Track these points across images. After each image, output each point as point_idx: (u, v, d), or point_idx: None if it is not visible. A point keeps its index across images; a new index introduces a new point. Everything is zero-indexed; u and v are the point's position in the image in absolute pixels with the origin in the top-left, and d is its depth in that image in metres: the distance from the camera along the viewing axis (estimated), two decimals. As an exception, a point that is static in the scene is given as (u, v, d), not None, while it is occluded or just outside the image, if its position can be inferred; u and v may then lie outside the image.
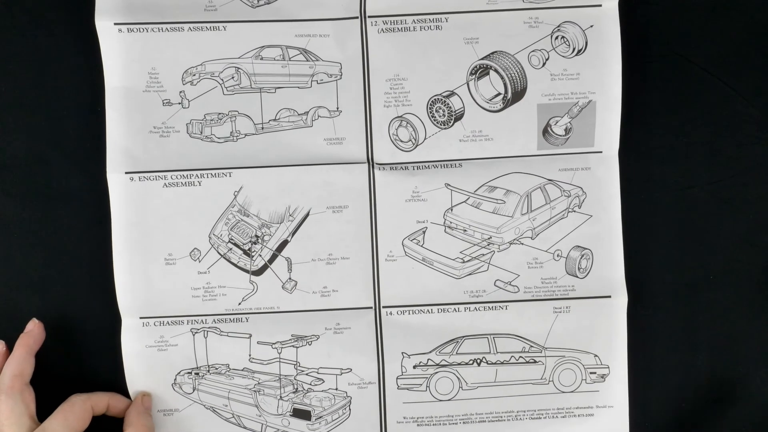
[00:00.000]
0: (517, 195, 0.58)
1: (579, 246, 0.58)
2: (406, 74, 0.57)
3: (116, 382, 0.57)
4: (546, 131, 0.58)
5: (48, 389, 0.55)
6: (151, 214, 0.56)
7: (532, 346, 0.59)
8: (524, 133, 0.58)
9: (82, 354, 0.58)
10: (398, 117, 0.57)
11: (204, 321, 0.57)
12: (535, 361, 0.59)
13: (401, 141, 0.58)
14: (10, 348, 0.55)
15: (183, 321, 0.57)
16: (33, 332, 0.56)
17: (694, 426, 0.59)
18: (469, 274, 0.58)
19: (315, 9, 0.56)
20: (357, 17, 0.56)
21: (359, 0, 0.56)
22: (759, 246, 0.59)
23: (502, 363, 0.58)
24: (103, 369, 0.58)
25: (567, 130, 0.58)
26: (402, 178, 0.57)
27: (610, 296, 0.58)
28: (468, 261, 0.58)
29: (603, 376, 0.59)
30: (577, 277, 0.58)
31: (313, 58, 0.57)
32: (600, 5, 0.57)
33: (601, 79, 0.57)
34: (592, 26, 0.57)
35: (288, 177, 0.57)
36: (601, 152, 0.58)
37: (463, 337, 0.58)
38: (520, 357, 0.59)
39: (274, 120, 0.57)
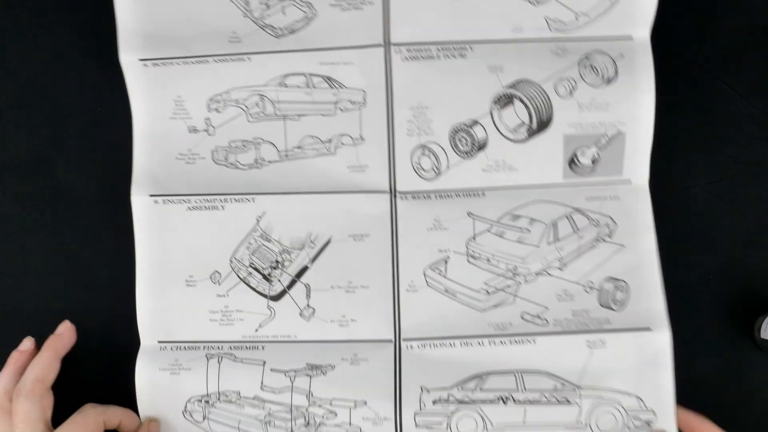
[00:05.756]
0: (543, 224, 0.56)
1: (613, 278, 0.55)
2: (429, 102, 0.56)
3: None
4: (572, 162, 0.56)
5: (60, 393, 0.55)
6: (174, 236, 0.57)
7: (564, 385, 0.54)
8: (549, 164, 0.56)
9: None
10: (421, 145, 0.56)
11: (220, 347, 0.57)
12: (568, 402, 0.54)
13: (423, 170, 0.57)
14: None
15: (199, 347, 0.57)
16: (63, 336, 0.56)
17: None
18: (494, 307, 0.56)
19: (339, 37, 0.57)
20: (381, 45, 0.56)
21: (383, 28, 0.56)
22: (759, 246, 0.58)
23: (531, 402, 0.54)
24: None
25: (594, 161, 0.55)
26: (424, 207, 0.56)
27: (650, 329, 0.54)
28: (493, 293, 0.55)
29: (648, 423, 0.54)
30: (611, 309, 0.55)
31: (337, 85, 0.57)
32: (630, 37, 0.55)
33: (633, 110, 0.55)
34: (622, 55, 0.55)
35: (310, 204, 0.57)
36: (629, 181, 0.56)
37: (488, 372, 0.55)
38: (552, 396, 0.54)
39: (298, 147, 0.57)
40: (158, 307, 0.57)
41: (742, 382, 0.58)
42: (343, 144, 0.57)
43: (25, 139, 0.59)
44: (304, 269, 0.56)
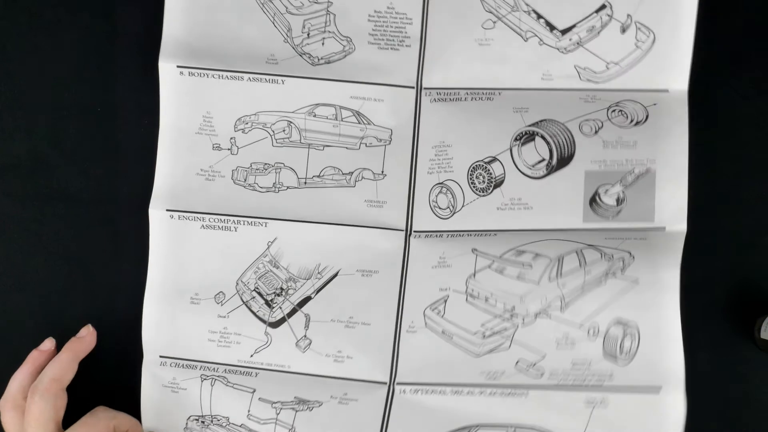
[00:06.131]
0: (548, 259, 0.52)
1: (621, 321, 0.51)
2: (452, 140, 0.56)
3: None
4: (594, 201, 0.52)
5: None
6: (186, 252, 0.57)
7: None
8: (568, 203, 0.53)
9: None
10: (439, 183, 0.55)
11: (215, 369, 0.56)
12: None
13: (439, 207, 0.55)
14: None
15: (196, 366, 0.56)
16: (85, 339, 0.56)
17: None
18: (489, 352, 0.53)
19: (373, 73, 0.57)
20: (413, 87, 0.56)
21: (417, 71, 0.56)
22: (759, 246, 0.57)
23: None
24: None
25: (619, 200, 0.52)
26: (432, 245, 0.55)
27: (660, 387, 0.50)
28: (489, 336, 0.53)
29: None
30: (617, 362, 0.50)
31: (365, 122, 0.57)
32: (667, 90, 0.54)
33: (664, 147, 0.52)
34: (655, 104, 0.53)
35: (323, 234, 0.56)
36: (664, 228, 0.52)
37: (478, 425, 0.52)
38: None
39: (318, 176, 0.57)
40: (163, 321, 0.56)
41: (742, 382, 0.57)
42: (363, 178, 0.56)
43: (25, 139, 0.59)
44: (306, 299, 0.55)
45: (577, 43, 0.55)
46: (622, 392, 0.51)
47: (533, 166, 0.54)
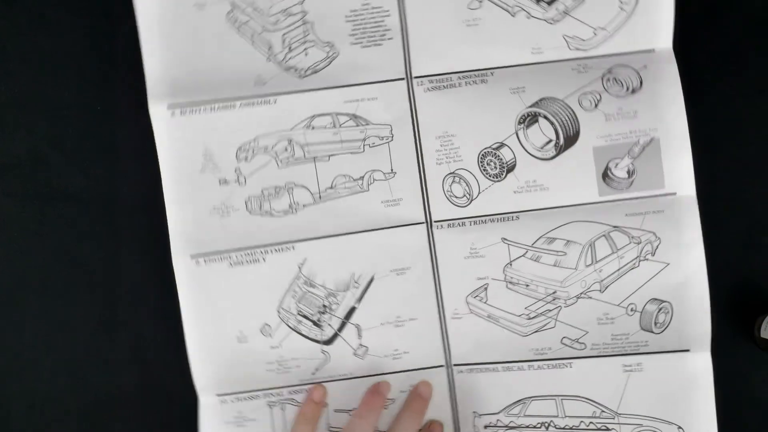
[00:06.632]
0: (579, 245, 0.56)
1: (656, 299, 0.56)
2: (455, 130, 0.56)
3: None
4: (606, 175, 0.56)
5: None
6: (220, 294, 0.57)
7: (603, 411, 0.56)
8: (582, 179, 0.56)
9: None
10: (451, 173, 0.57)
11: (280, 393, 0.57)
12: (607, 429, 0.56)
13: (456, 197, 0.57)
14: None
15: (259, 395, 0.57)
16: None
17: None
18: (536, 332, 0.57)
19: (361, 73, 0.56)
20: (403, 78, 0.56)
21: (404, 61, 0.56)
22: (759, 246, 0.58)
23: (571, 428, 0.56)
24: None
25: (630, 172, 0.55)
26: (459, 235, 0.57)
27: (688, 350, 0.55)
28: (534, 317, 0.57)
29: None
30: (652, 332, 0.56)
31: (363, 123, 0.56)
32: (653, 50, 0.56)
33: (662, 115, 0.55)
34: (645, 66, 0.55)
35: (350, 244, 0.57)
36: (674, 194, 0.55)
37: (531, 397, 0.57)
38: (591, 423, 0.56)
39: (331, 188, 0.57)
40: (213, 364, 0.57)
41: (742, 382, 0.59)
42: (375, 180, 0.57)
43: (24, 138, 0.58)
44: (352, 310, 0.57)
45: (564, 12, 0.56)
46: (656, 354, 0.56)
47: (542, 148, 0.56)
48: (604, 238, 0.56)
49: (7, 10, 0.58)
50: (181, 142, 0.56)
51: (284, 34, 0.55)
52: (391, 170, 0.57)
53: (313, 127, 0.56)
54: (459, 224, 0.57)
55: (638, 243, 0.56)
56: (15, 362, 0.58)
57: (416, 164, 0.57)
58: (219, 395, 0.57)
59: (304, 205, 0.57)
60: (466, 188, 0.57)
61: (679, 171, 0.55)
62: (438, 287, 0.58)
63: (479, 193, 0.57)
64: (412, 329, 0.57)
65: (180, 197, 0.56)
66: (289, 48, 0.55)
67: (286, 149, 0.56)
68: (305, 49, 0.55)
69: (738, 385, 0.59)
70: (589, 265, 0.56)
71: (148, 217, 0.57)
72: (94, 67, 0.58)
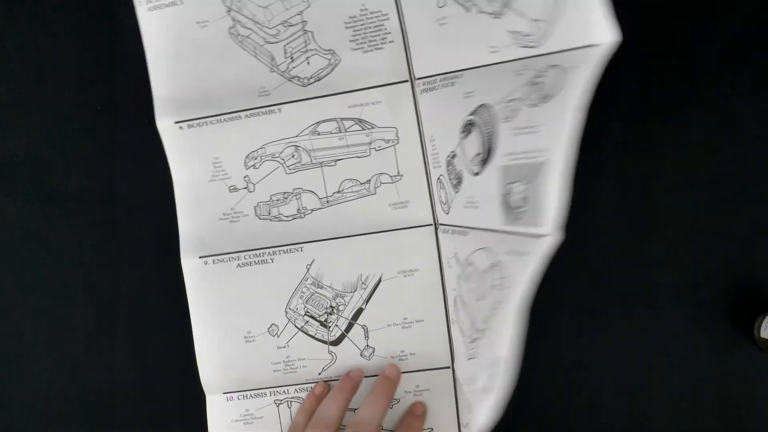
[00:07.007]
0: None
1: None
2: (434, 134, 0.56)
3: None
4: (505, 201, 0.45)
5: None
6: (227, 294, 0.58)
7: None
8: (491, 203, 0.47)
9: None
10: (438, 178, 0.56)
11: (286, 391, 0.59)
12: None
13: (441, 202, 0.56)
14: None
15: (266, 393, 0.59)
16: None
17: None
18: None
19: (364, 78, 0.57)
20: (407, 80, 0.57)
21: (407, 63, 0.56)
22: (759, 246, 0.58)
23: None
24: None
25: (526, 200, 0.43)
26: (460, 237, 0.55)
27: None
28: None
29: None
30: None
31: (369, 126, 0.57)
32: (598, 45, 0.40)
33: (557, 133, 0.42)
34: (576, 67, 0.41)
35: (358, 246, 0.58)
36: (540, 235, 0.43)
37: None
38: None
39: (338, 192, 0.58)
40: (220, 362, 0.59)
41: (742, 382, 0.58)
42: (382, 183, 0.58)
43: (25, 138, 0.59)
44: (359, 311, 0.58)
45: (503, 5, 0.46)
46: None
47: (472, 161, 0.50)
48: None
49: (7, 10, 0.59)
50: (191, 153, 0.58)
51: (286, 45, 0.57)
52: (398, 173, 0.58)
53: (319, 133, 0.57)
54: (450, 231, 0.56)
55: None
56: (15, 362, 0.60)
57: (423, 166, 0.57)
58: (226, 393, 0.59)
59: (312, 210, 0.58)
60: (446, 195, 0.56)
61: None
62: (445, 289, 0.58)
63: (452, 200, 0.54)
64: (419, 331, 0.58)
65: (190, 205, 0.58)
66: (291, 58, 0.57)
67: (293, 156, 0.58)
68: (307, 58, 0.57)
69: (738, 385, 0.58)
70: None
71: (149, 217, 0.58)
72: (94, 67, 0.59)
